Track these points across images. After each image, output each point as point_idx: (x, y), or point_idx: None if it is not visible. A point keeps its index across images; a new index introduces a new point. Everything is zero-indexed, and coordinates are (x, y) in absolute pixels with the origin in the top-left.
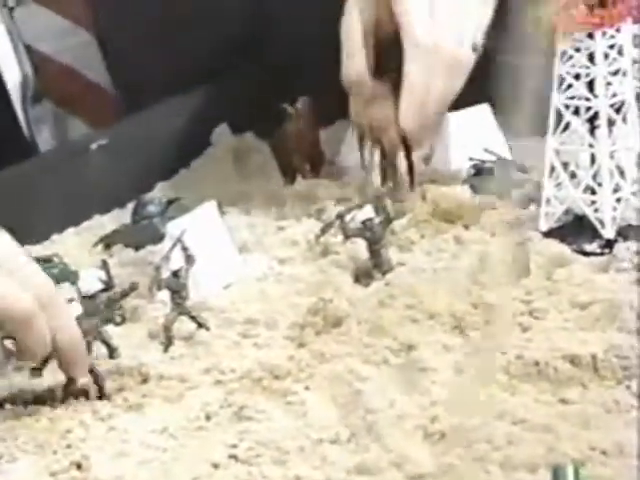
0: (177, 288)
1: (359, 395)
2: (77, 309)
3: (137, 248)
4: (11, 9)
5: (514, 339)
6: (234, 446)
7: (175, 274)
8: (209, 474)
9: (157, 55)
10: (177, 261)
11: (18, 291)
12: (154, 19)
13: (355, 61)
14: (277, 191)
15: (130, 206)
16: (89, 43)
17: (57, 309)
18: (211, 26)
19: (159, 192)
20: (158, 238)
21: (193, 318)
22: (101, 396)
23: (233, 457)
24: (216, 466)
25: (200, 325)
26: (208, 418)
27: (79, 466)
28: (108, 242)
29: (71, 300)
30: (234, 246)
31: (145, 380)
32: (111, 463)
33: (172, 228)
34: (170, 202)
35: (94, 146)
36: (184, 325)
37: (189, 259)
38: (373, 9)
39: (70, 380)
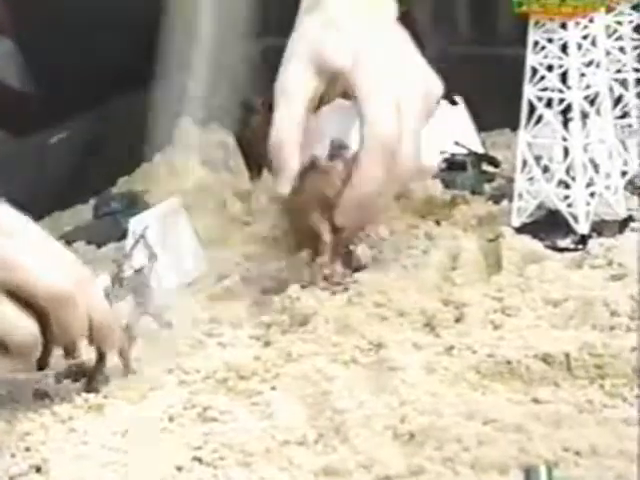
0: (139, 286)
1: (327, 395)
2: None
3: (99, 245)
4: None
5: (485, 337)
6: (198, 448)
7: (137, 272)
8: (172, 477)
9: (79, 59)
10: (140, 258)
11: (57, 271)
12: (73, 23)
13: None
14: (243, 185)
15: (92, 202)
16: (11, 51)
17: (88, 287)
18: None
19: (121, 187)
20: (120, 235)
21: (156, 317)
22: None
23: (197, 459)
24: (180, 469)
25: (163, 324)
26: (171, 419)
27: (38, 469)
28: (69, 239)
29: None
30: (198, 242)
31: (106, 380)
32: (71, 466)
33: (135, 224)
34: (132, 197)
35: (53, 140)
36: (146, 324)
37: (152, 256)
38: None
39: (101, 356)
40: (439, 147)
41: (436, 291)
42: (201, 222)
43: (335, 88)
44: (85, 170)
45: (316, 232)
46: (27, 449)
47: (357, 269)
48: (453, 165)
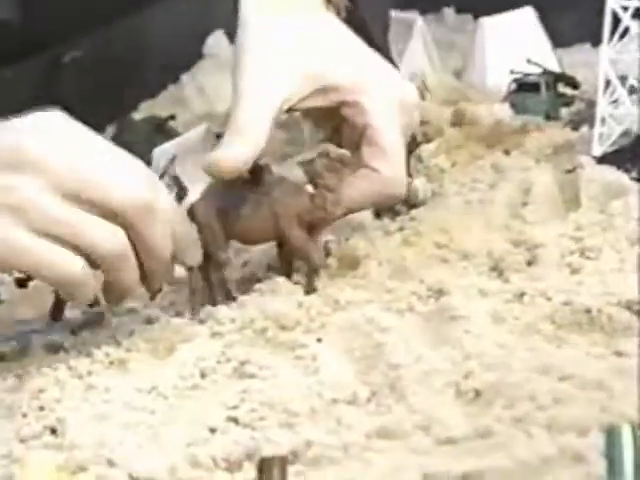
0: None
1: (380, 348)
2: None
3: None
4: None
5: (562, 282)
6: (234, 407)
7: None
8: (205, 440)
9: None
10: None
11: (134, 180)
12: None
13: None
14: None
15: (110, 130)
16: None
17: (165, 196)
18: None
19: (144, 112)
20: None
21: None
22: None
23: (233, 420)
24: (213, 430)
25: (192, 267)
26: (203, 375)
27: (53, 430)
28: None
29: None
30: None
31: (130, 332)
32: (90, 427)
33: (159, 155)
34: (157, 124)
35: (66, 59)
36: (175, 268)
37: (180, 191)
38: None
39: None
40: (508, 65)
41: (505, 230)
42: None
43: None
44: (102, 93)
45: None
46: (40, 408)
47: (414, 205)
48: (525, 86)
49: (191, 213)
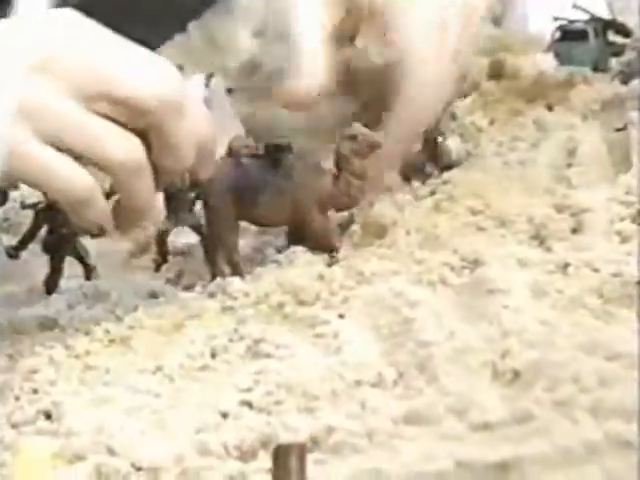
0: (171, 188)
1: (408, 324)
2: None
3: None
4: None
5: (610, 252)
6: (248, 390)
7: None
8: (216, 425)
9: None
10: None
11: (159, 77)
12: None
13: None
14: None
15: None
16: None
17: (190, 96)
18: None
19: None
20: None
21: (195, 228)
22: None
23: (247, 404)
24: (225, 415)
25: (203, 237)
26: (214, 355)
27: (48, 415)
28: None
29: None
30: (242, 131)
31: (134, 308)
32: (88, 412)
33: None
34: None
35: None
36: (181, 237)
37: None
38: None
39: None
40: (552, 11)
41: (547, 194)
42: (249, 109)
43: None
44: None
45: None
46: (34, 391)
47: (447, 167)
48: (570, 34)
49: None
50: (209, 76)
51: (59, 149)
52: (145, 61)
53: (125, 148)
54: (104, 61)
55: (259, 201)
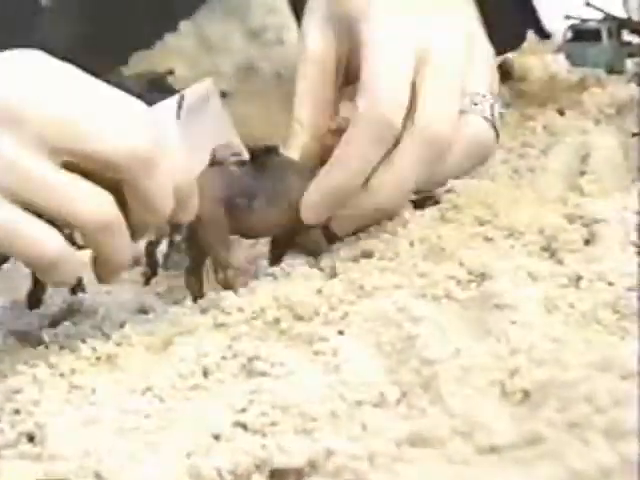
0: None
1: (412, 341)
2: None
3: None
4: None
5: (625, 264)
6: (242, 411)
7: None
8: (208, 447)
9: None
10: None
11: (132, 128)
12: None
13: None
14: None
15: None
16: None
17: (165, 143)
18: None
19: (136, 66)
20: None
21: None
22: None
23: (240, 425)
24: (217, 437)
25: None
26: (206, 373)
27: (31, 438)
28: None
29: None
30: (237, 138)
31: (122, 324)
32: (75, 434)
33: (155, 115)
34: (151, 81)
35: (44, 2)
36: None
37: None
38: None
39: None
40: (563, 9)
41: (559, 203)
42: (244, 113)
43: None
44: (85, 43)
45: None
46: (16, 411)
47: None
48: (583, 34)
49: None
50: (181, 98)
51: (25, 207)
52: (116, 110)
53: (94, 205)
54: (71, 111)
55: (254, 208)
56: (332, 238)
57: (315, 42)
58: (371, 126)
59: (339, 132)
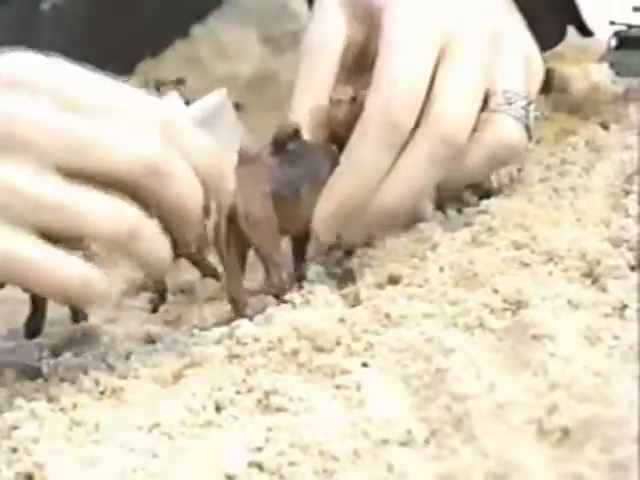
0: None
1: (442, 374)
2: None
3: None
4: None
5: None
6: (258, 449)
7: None
8: None
9: None
10: None
11: (137, 132)
12: None
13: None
14: None
15: None
16: None
17: (178, 127)
18: None
19: (144, 75)
20: None
21: (198, 262)
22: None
23: (256, 465)
24: (232, 478)
25: (207, 272)
26: (219, 409)
27: (30, 478)
28: None
29: None
30: None
31: (127, 355)
32: (77, 474)
33: None
34: (160, 89)
35: (46, 5)
36: (182, 272)
37: None
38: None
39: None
40: (608, 15)
41: (602, 225)
42: (259, 126)
43: None
44: (89, 49)
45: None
46: (13, 450)
47: (486, 194)
48: (629, 41)
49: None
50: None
51: (41, 233)
52: (124, 114)
53: (111, 216)
54: (75, 122)
55: (301, 196)
56: None
57: (325, 23)
58: (381, 130)
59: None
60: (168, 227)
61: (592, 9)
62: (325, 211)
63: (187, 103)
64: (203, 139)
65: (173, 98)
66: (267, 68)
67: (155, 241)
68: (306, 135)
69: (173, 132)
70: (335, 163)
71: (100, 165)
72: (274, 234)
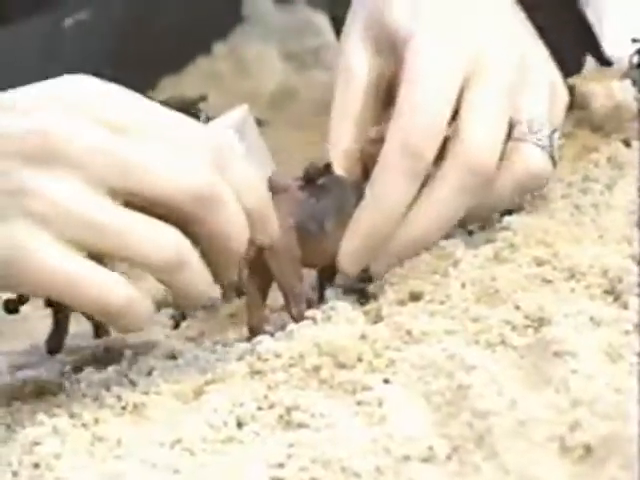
0: None
1: (464, 391)
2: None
3: None
4: None
5: None
6: (280, 465)
7: None
8: None
9: None
10: None
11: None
12: None
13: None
14: None
15: None
16: None
17: (229, 160)
18: None
19: (165, 91)
20: None
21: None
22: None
23: None
24: None
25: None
26: (241, 425)
27: None
28: None
29: None
30: (275, 169)
31: (149, 371)
32: None
33: None
34: (182, 107)
35: (69, 22)
36: None
37: None
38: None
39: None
40: (631, 32)
41: (624, 242)
42: (281, 142)
43: None
44: (112, 66)
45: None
46: (35, 465)
47: (508, 210)
48: None
49: None
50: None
51: (88, 253)
52: (174, 141)
53: (158, 243)
54: (128, 146)
55: (326, 230)
56: None
57: (353, 59)
58: (402, 160)
59: (381, 141)
60: (208, 260)
61: (614, 26)
62: (351, 245)
63: (209, 120)
64: (252, 171)
65: (222, 126)
66: (289, 84)
67: (199, 273)
68: (340, 172)
69: (223, 161)
70: (362, 198)
71: (150, 188)
72: (296, 266)
